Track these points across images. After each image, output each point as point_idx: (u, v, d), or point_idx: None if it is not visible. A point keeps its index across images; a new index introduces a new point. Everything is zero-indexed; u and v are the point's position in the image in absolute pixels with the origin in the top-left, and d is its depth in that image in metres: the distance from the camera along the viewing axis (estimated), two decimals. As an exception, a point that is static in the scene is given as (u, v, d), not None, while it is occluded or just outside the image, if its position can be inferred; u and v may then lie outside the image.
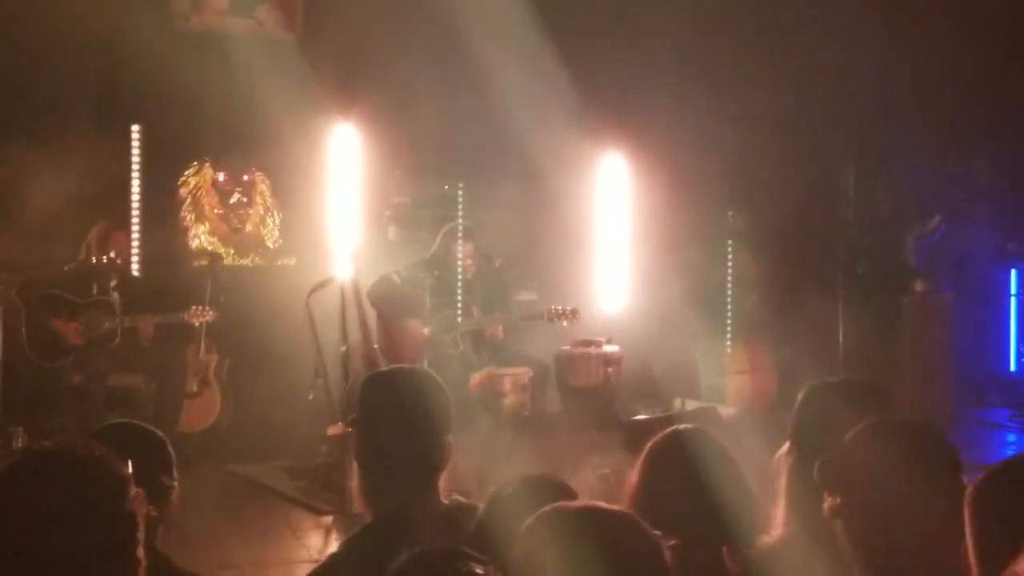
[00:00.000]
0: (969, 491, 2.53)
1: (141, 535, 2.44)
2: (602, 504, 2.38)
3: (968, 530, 2.47)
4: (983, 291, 11.77)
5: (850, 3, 10.82)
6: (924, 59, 10.71)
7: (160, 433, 3.52)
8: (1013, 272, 11.84)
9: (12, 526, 2.33)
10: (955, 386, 10.90)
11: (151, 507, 2.63)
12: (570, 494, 3.17)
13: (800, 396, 3.56)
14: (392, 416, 3.35)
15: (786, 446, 3.52)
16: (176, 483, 3.43)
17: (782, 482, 3.44)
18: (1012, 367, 11.83)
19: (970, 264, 11.67)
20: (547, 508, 2.35)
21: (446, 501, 3.38)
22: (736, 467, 3.28)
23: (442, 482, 3.39)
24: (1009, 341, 11.87)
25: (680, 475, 3.19)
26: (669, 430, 3.39)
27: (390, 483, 3.33)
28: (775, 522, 3.40)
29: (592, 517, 2.32)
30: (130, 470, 2.49)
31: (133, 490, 2.44)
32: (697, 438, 3.31)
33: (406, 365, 3.78)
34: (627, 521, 2.34)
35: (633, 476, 3.30)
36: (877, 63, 10.85)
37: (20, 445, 7.45)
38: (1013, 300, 11.86)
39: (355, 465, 3.43)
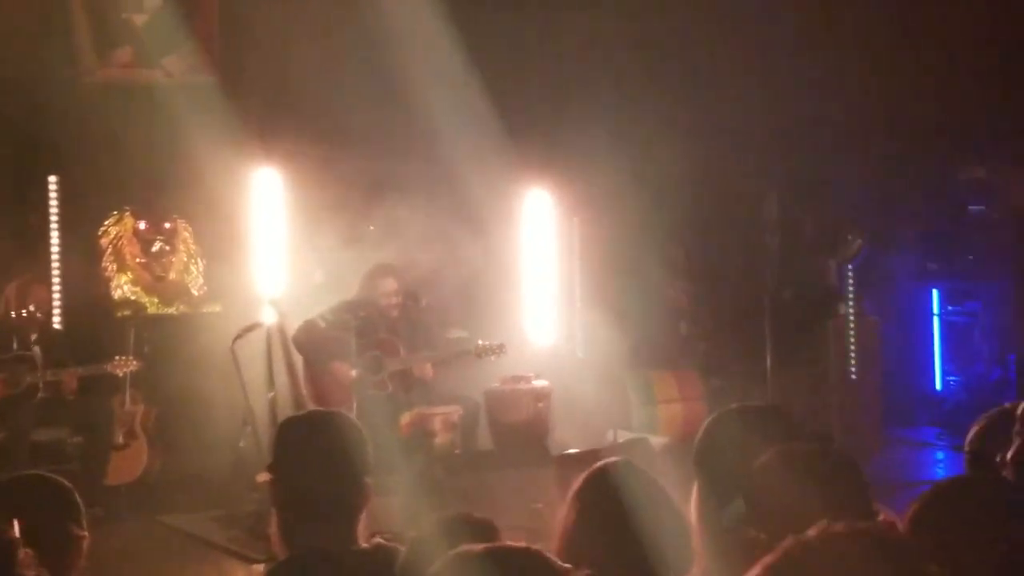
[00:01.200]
0: (904, 524, 2.55)
1: None
2: (509, 544, 2.36)
3: None
4: (906, 312, 11.91)
5: (772, 33, 10.93)
6: (845, 85, 10.85)
7: (66, 483, 3.45)
8: (935, 292, 11.99)
9: None
10: (883, 406, 11.01)
11: (56, 560, 2.59)
12: (489, 531, 3.16)
13: (703, 427, 3.45)
14: (308, 458, 3.35)
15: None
16: (86, 533, 3.36)
17: (693, 515, 3.43)
18: (937, 386, 11.96)
19: (893, 286, 11.80)
20: (452, 552, 2.33)
21: (366, 544, 3.35)
22: (667, 498, 3.26)
23: (362, 524, 3.37)
24: (934, 360, 12.01)
25: (608, 510, 3.17)
26: (598, 465, 3.36)
27: (306, 524, 3.32)
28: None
29: (497, 558, 2.30)
30: (17, 532, 2.44)
31: (21, 552, 2.40)
32: (626, 471, 3.29)
33: (324, 408, 3.77)
34: (533, 560, 2.32)
35: (563, 512, 3.28)
36: (799, 91, 10.97)
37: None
38: (936, 320, 12.00)
39: (273, 508, 3.41)
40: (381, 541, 3.37)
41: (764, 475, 2.85)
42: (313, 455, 3.35)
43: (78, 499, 3.40)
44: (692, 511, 3.36)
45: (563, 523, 3.23)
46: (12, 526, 2.46)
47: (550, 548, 3.17)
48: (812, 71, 10.94)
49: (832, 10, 10.92)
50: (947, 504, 2.63)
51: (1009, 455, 3.57)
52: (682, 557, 3.17)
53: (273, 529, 3.42)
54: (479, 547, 2.33)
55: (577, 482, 3.29)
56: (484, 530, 3.21)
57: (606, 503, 3.18)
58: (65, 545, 3.12)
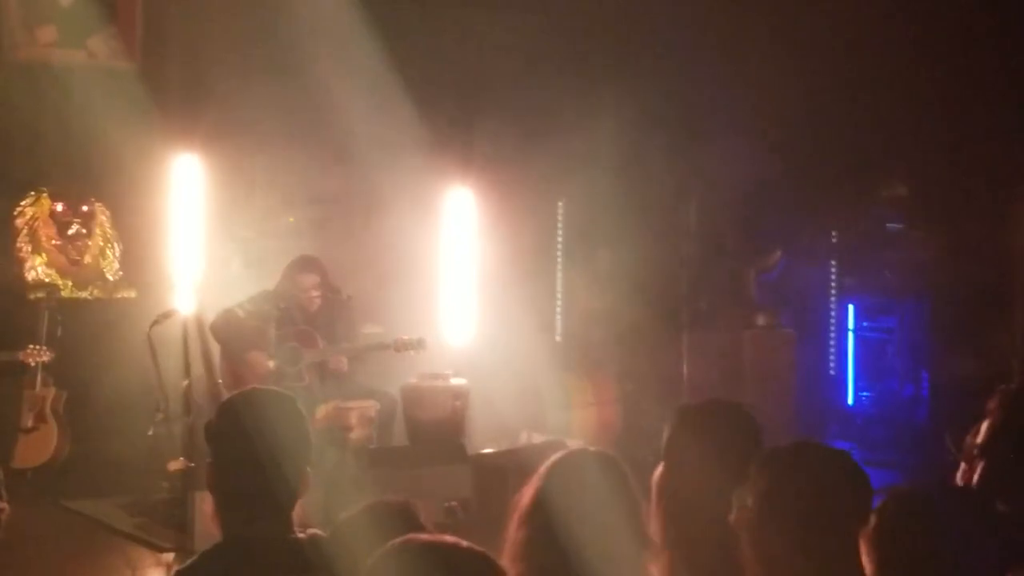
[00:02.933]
0: (866, 533, 2.58)
1: None
2: (452, 539, 2.36)
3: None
4: (821, 326, 12.02)
5: (694, 39, 10.98)
6: (765, 94, 10.92)
7: None
8: (850, 307, 12.12)
9: None
10: (796, 419, 11.10)
11: None
12: (414, 519, 3.14)
13: (671, 419, 3.62)
14: (246, 441, 3.27)
15: (661, 467, 3.56)
16: (6, 505, 3.27)
17: (658, 504, 3.48)
18: (850, 401, 12.08)
19: (809, 299, 11.91)
20: (397, 541, 2.31)
21: (301, 533, 3.31)
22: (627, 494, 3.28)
23: (297, 512, 3.32)
24: (847, 375, 12.13)
25: (580, 495, 3.19)
26: (574, 449, 3.41)
27: (240, 510, 3.27)
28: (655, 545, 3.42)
29: (442, 552, 2.29)
30: None
31: None
32: (592, 461, 3.31)
33: (266, 388, 3.70)
34: (478, 558, 2.32)
35: (527, 494, 3.27)
36: (722, 98, 11.03)
37: None
38: (850, 335, 12.13)
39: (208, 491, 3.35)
40: (316, 531, 3.33)
41: (768, 463, 2.97)
42: (251, 439, 3.27)
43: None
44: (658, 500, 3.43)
45: (526, 505, 3.23)
46: None
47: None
48: (737, 78, 11.01)
49: (756, 18, 10.99)
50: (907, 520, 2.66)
51: (979, 440, 3.63)
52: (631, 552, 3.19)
53: (207, 506, 3.36)
54: (424, 537, 2.32)
55: (539, 471, 3.28)
56: (410, 519, 3.18)
57: (578, 488, 3.19)
58: None
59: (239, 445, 3.28)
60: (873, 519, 2.68)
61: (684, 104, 11.09)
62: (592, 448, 3.42)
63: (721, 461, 3.34)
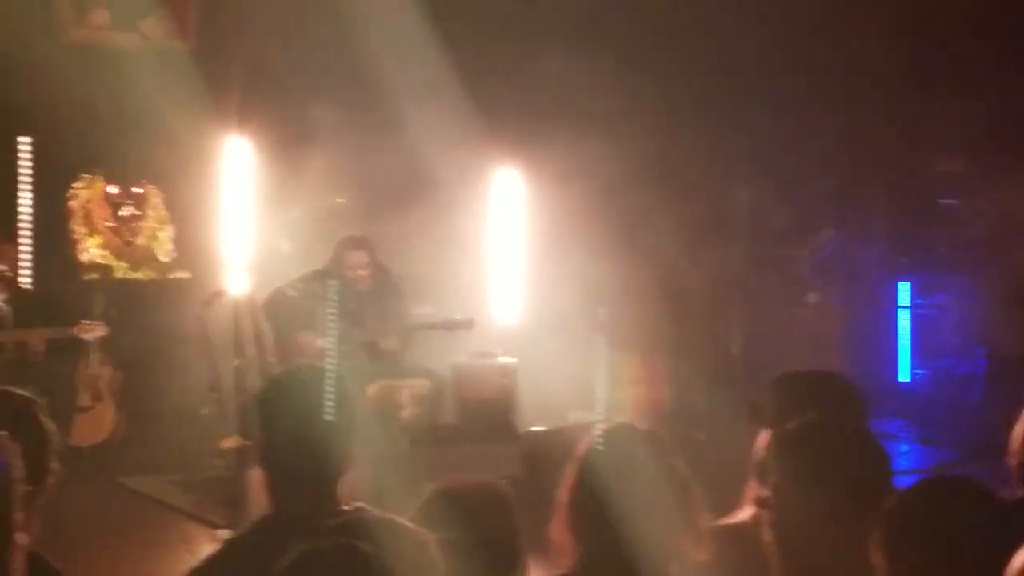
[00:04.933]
0: (876, 533, 2.56)
1: (20, 517, 2.41)
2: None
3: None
4: (874, 303, 11.95)
5: (745, 19, 10.93)
6: (818, 73, 10.86)
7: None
8: (904, 284, 12.03)
9: None
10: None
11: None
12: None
13: (773, 385, 3.71)
14: (293, 416, 3.31)
15: (766, 434, 3.56)
16: (59, 467, 3.29)
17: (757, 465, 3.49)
18: (904, 378, 12.01)
19: (861, 277, 11.84)
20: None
21: (348, 507, 3.34)
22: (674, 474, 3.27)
23: (343, 488, 3.35)
24: (901, 353, 12.05)
25: (606, 479, 3.17)
26: (600, 430, 3.36)
27: (287, 483, 3.30)
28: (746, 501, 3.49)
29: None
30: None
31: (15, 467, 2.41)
32: (633, 438, 3.30)
33: (312, 363, 3.74)
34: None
35: (571, 467, 3.27)
36: (772, 76, 10.98)
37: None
38: (904, 312, 12.04)
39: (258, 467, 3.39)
40: (362, 505, 3.36)
41: (784, 442, 2.98)
42: (297, 413, 3.29)
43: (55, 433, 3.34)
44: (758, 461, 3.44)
45: (563, 491, 3.24)
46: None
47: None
48: (788, 61, 10.96)
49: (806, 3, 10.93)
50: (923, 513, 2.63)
51: None
52: (683, 536, 3.18)
53: (255, 475, 3.40)
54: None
55: (580, 446, 3.29)
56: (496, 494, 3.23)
57: (606, 471, 3.18)
58: (38, 476, 3.07)
59: (285, 420, 3.31)
60: (885, 512, 2.64)
61: (732, 81, 11.04)
62: (636, 424, 3.42)
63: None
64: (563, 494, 3.22)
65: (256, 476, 3.43)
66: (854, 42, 10.77)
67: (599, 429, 3.31)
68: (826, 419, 3.15)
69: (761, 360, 10.76)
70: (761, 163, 11.30)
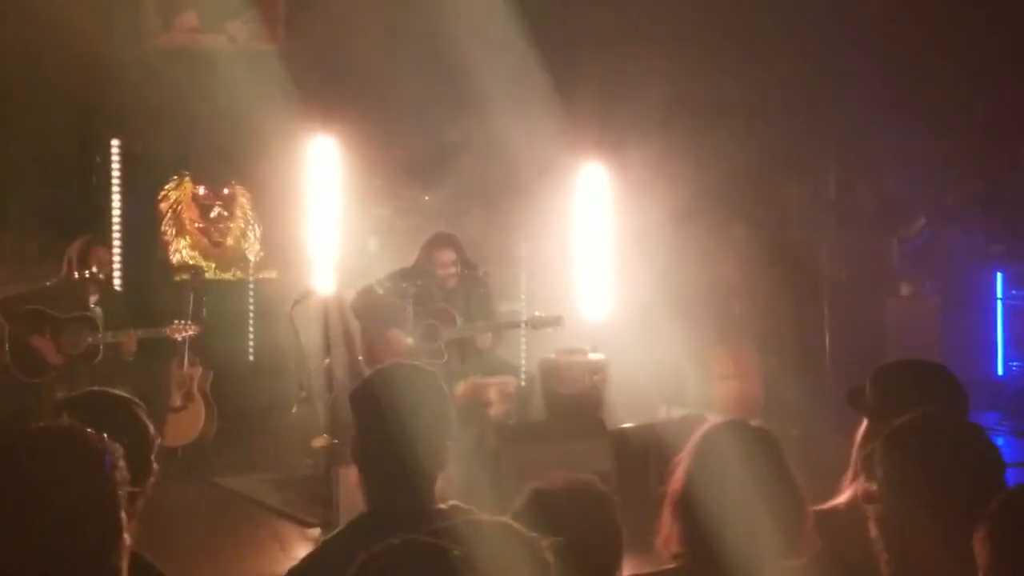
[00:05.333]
0: (982, 530, 2.49)
1: (125, 518, 2.42)
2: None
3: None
4: (969, 294, 11.74)
5: (830, 10, 10.81)
6: (907, 61, 10.71)
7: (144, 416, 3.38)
8: (998, 275, 11.82)
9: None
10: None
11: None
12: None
13: (874, 375, 3.68)
14: (390, 415, 3.30)
15: (865, 424, 3.62)
16: (157, 468, 3.32)
17: (859, 453, 3.52)
18: (999, 371, 11.80)
19: (955, 267, 11.64)
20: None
21: (443, 506, 3.33)
22: (784, 471, 3.24)
23: (439, 485, 3.35)
24: (996, 345, 11.84)
25: (715, 472, 3.16)
26: (726, 422, 3.36)
27: (383, 482, 3.30)
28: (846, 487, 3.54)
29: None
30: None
31: (120, 469, 2.42)
32: (744, 434, 3.28)
33: (409, 362, 3.73)
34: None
35: (679, 470, 3.25)
36: (859, 65, 10.84)
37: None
38: (999, 304, 11.83)
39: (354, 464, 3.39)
40: (457, 503, 3.35)
41: (895, 436, 2.90)
42: (394, 412, 3.30)
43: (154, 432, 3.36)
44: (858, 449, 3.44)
45: (674, 484, 3.21)
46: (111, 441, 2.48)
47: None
48: (876, 49, 10.81)
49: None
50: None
51: None
52: (791, 536, 3.15)
53: (352, 476, 3.41)
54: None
55: (692, 440, 3.26)
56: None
57: (716, 465, 3.16)
58: (139, 475, 3.09)
59: (382, 419, 3.31)
60: (991, 509, 2.57)
61: (824, 75, 10.92)
62: (748, 422, 3.38)
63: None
64: (674, 487, 3.19)
65: (351, 475, 3.44)
66: (954, 27, 10.58)
67: (714, 424, 3.28)
68: (939, 413, 3.09)
69: (852, 354, 10.63)
70: (852, 153, 11.15)
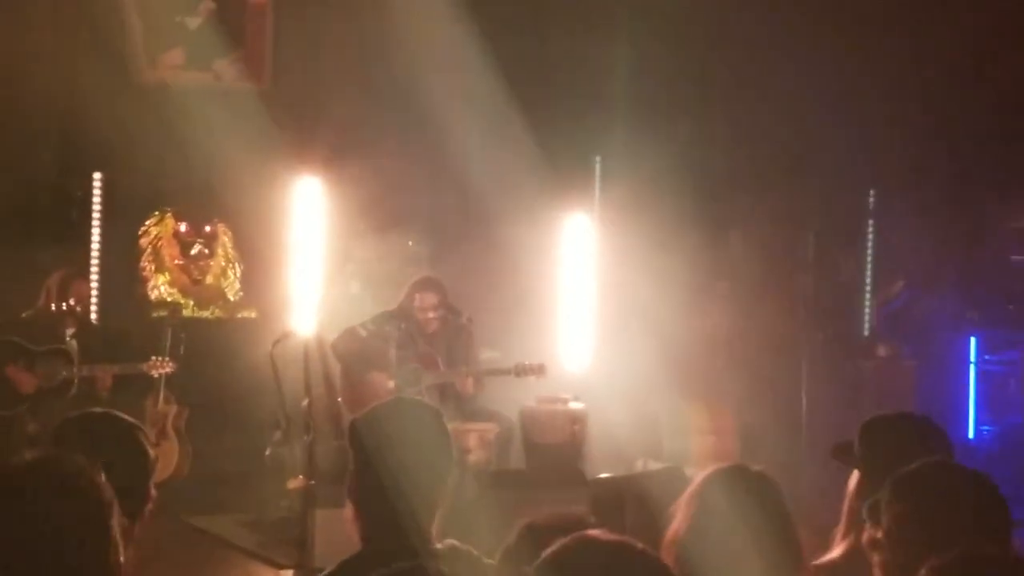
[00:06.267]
0: None
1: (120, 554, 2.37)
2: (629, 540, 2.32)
3: None
4: (943, 359, 11.79)
5: (811, 73, 10.90)
6: (883, 125, 10.79)
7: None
8: (972, 340, 11.87)
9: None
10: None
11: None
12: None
13: (863, 428, 3.71)
14: (390, 451, 3.26)
15: (856, 475, 3.65)
16: (155, 494, 3.28)
17: (851, 506, 3.59)
18: (970, 434, 11.83)
19: (931, 331, 11.70)
20: (575, 535, 2.28)
21: (441, 545, 3.29)
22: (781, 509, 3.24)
23: (436, 525, 3.30)
24: (968, 408, 11.88)
25: (722, 517, 3.15)
26: (725, 468, 3.35)
27: (381, 519, 3.25)
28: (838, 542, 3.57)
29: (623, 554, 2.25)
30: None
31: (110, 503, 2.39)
32: (744, 478, 3.28)
33: (411, 399, 3.69)
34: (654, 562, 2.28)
35: (681, 513, 3.23)
36: (842, 129, 10.92)
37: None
38: (972, 368, 11.88)
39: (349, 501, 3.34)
40: (455, 543, 3.30)
41: (901, 484, 3.00)
42: (394, 449, 3.27)
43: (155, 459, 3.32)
44: (848, 502, 3.45)
45: (674, 530, 3.18)
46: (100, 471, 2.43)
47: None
48: (854, 111, 10.90)
49: (886, 48, 10.88)
50: None
51: None
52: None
53: (347, 512, 3.35)
54: (606, 537, 2.29)
55: (693, 485, 3.24)
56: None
57: (717, 511, 3.14)
58: (139, 501, 3.05)
59: (384, 453, 3.26)
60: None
61: (805, 137, 11.00)
62: (751, 466, 3.36)
63: None
64: (674, 532, 3.16)
65: (327, 517, 3.40)
66: (936, 91, 10.69)
67: (714, 470, 3.25)
68: (945, 461, 3.12)
69: (829, 412, 10.64)
70: (830, 214, 11.22)
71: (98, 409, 3.49)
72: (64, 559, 2.32)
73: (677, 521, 3.18)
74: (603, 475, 8.71)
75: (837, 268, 11.57)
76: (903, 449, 3.45)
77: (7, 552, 2.29)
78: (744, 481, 3.22)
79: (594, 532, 2.33)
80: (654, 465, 9.27)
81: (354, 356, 8.95)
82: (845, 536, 3.59)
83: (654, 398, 10.20)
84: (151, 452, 3.27)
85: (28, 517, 2.31)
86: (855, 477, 3.67)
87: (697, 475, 3.30)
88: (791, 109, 10.90)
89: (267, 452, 8.91)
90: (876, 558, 2.98)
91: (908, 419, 3.88)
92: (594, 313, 10.50)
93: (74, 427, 3.23)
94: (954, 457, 3.61)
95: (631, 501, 7.61)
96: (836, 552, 3.59)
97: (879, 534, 2.97)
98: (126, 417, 3.35)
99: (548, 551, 2.28)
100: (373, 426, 3.39)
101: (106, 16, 10.46)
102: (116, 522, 2.41)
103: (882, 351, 11.07)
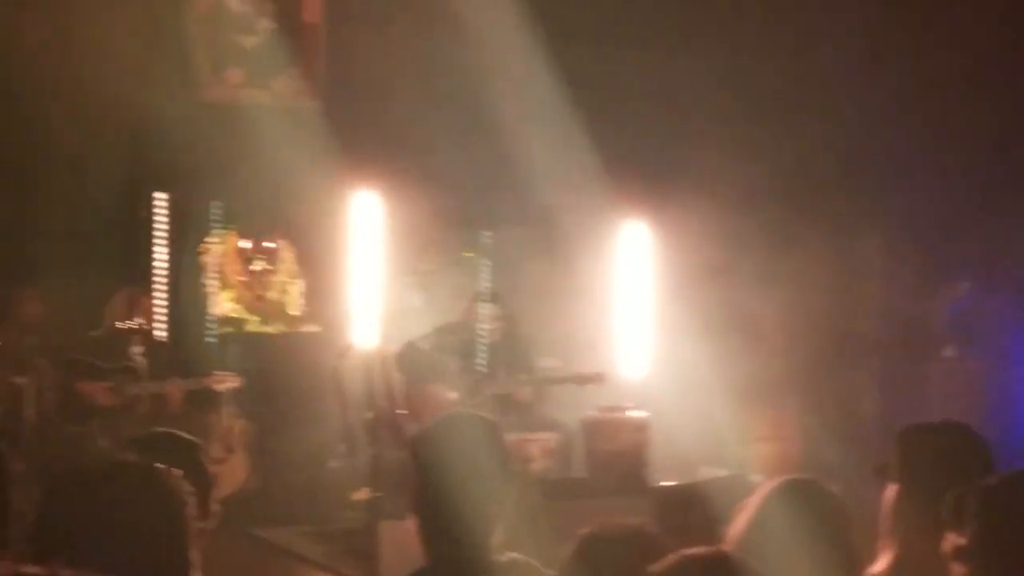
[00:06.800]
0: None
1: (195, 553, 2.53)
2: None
3: None
4: (1010, 359, 11.66)
5: (871, 69, 10.85)
6: (952, 120, 10.71)
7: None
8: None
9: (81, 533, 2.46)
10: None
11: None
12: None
13: (900, 438, 3.63)
14: (451, 464, 3.30)
15: (894, 487, 3.56)
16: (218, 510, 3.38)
17: (889, 518, 3.52)
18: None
19: (999, 330, 11.57)
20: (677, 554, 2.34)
21: (503, 558, 3.32)
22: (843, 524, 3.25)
23: (497, 537, 3.34)
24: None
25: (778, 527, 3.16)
26: (789, 480, 3.34)
27: (444, 532, 3.29)
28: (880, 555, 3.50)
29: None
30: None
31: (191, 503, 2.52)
32: (810, 490, 3.29)
33: (470, 412, 3.74)
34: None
35: (738, 521, 3.25)
36: (903, 128, 10.86)
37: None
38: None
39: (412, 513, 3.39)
40: (516, 555, 3.34)
41: (998, 490, 2.93)
42: (456, 461, 3.31)
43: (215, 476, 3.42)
44: (889, 515, 3.41)
45: (733, 537, 3.21)
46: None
47: None
48: (923, 112, 10.82)
49: (944, 49, 10.81)
50: None
51: None
52: None
53: (411, 524, 3.40)
54: (704, 551, 2.34)
55: (756, 495, 3.26)
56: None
57: (778, 523, 3.15)
58: (202, 517, 3.13)
59: (446, 466, 3.30)
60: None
61: (870, 137, 10.94)
62: (818, 480, 3.36)
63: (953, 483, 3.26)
64: (731, 538, 3.18)
65: (394, 528, 3.45)
66: (997, 92, 10.60)
67: (778, 482, 3.26)
68: None
69: (894, 416, 10.56)
70: (895, 215, 11.15)
71: (160, 428, 3.57)
72: (145, 546, 2.50)
73: (736, 526, 3.20)
74: (665, 483, 8.71)
75: (902, 268, 11.49)
76: (941, 460, 3.45)
77: (96, 537, 2.44)
78: (806, 496, 3.23)
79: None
80: (717, 472, 9.25)
81: (415, 368, 9.01)
82: (886, 550, 3.54)
83: (716, 405, 10.17)
84: (211, 470, 3.34)
85: (116, 504, 2.50)
86: (894, 489, 3.60)
87: (763, 484, 3.30)
88: (851, 120, 10.87)
89: (332, 464, 8.98)
90: (959, 567, 2.94)
91: (947, 428, 3.78)
92: (652, 320, 10.49)
93: (136, 446, 3.31)
94: (992, 465, 3.55)
95: (694, 508, 7.62)
96: (880, 565, 3.54)
97: (963, 541, 2.93)
98: (186, 436, 3.43)
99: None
100: (429, 442, 3.43)
101: (173, 33, 10.62)
102: (191, 519, 2.53)
103: (948, 352, 10.97)
